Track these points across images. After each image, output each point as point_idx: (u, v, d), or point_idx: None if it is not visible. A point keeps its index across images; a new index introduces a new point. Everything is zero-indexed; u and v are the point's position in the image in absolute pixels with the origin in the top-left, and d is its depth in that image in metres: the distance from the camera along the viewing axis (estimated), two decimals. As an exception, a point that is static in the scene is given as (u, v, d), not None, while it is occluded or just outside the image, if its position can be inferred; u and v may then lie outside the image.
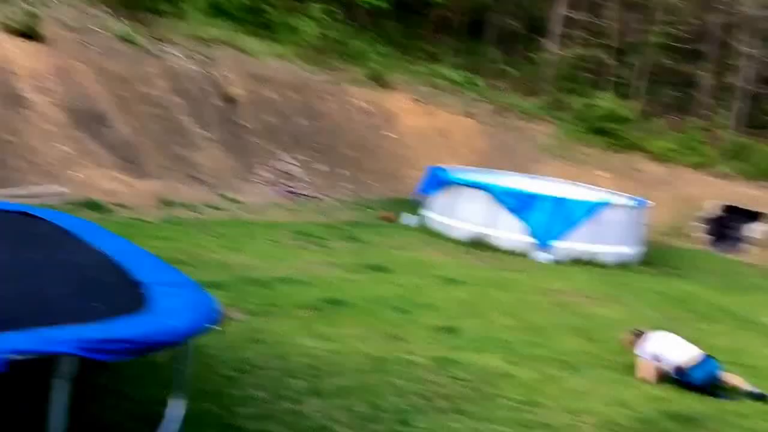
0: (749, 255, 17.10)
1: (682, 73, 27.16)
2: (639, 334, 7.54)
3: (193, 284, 5.09)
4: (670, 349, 7.34)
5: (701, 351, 7.34)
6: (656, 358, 7.27)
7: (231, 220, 13.13)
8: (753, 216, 18.26)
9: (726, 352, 8.81)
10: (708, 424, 6.32)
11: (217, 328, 4.67)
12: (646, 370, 7.24)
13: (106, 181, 12.96)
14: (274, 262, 10.25)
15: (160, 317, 4.16)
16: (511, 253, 13.59)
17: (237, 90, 18.31)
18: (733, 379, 7.26)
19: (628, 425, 6.09)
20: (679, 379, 7.15)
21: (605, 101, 22.54)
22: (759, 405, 7.01)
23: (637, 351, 7.40)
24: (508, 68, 25.37)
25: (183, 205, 13.29)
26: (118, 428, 4.84)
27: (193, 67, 17.68)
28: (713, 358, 7.32)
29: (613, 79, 25.46)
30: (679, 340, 7.46)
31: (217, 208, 13.72)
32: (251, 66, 19.31)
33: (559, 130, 21.94)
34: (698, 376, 7.14)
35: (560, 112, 23.70)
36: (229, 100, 17.96)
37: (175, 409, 4.91)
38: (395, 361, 6.81)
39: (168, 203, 13.10)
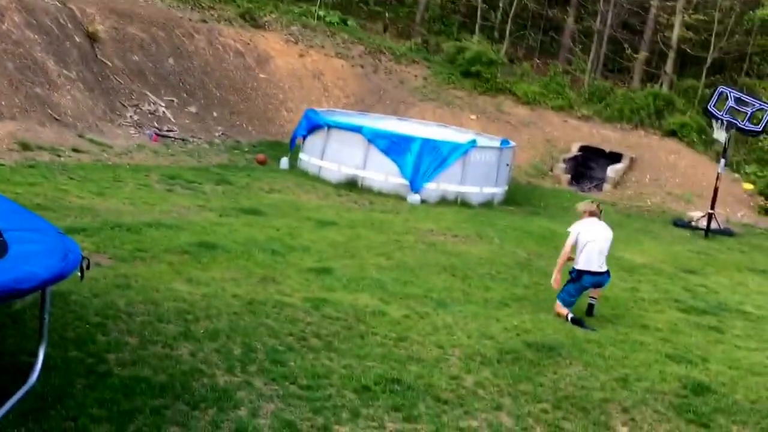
0: (606, 194, 18.20)
1: (546, 17, 28.13)
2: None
3: (53, 229, 4.91)
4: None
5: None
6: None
7: (96, 163, 12.55)
8: (610, 156, 19.40)
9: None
10: (564, 352, 6.81)
11: (79, 273, 4.54)
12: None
13: (-47, 123, 12.03)
14: (143, 206, 9.96)
15: (16, 263, 3.99)
16: (383, 194, 13.82)
17: (99, 26, 17.29)
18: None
19: (492, 356, 6.47)
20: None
21: (474, 44, 22.99)
22: (611, 334, 7.61)
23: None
24: (380, 10, 25.31)
25: (43, 148, 12.55)
26: (-22, 381, 4.64)
27: (50, 1, 16.51)
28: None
29: (481, 22, 25.98)
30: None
31: (80, 151, 13.05)
32: (114, 1, 18.26)
33: (430, 73, 22.24)
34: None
35: (431, 54, 24.01)
36: (91, 37, 16.95)
37: (41, 358, 4.77)
38: (269, 303, 6.87)
39: (26, 146, 12.34)
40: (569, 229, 8.13)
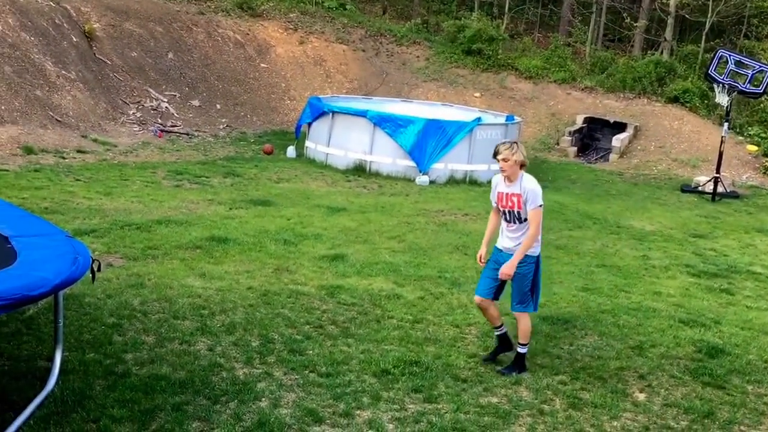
0: (613, 164, 18.11)
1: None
2: None
3: (61, 233, 4.91)
4: None
5: None
6: None
7: (101, 163, 12.55)
8: (615, 126, 19.28)
9: (595, 255, 9.44)
10: (578, 324, 6.80)
11: (90, 275, 4.55)
12: None
13: (-43, 131, 12.05)
14: (152, 204, 9.96)
15: (27, 270, 4.00)
16: (391, 177, 13.78)
17: (95, 24, 17.25)
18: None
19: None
20: None
21: (474, 21, 22.84)
22: (624, 302, 7.58)
23: None
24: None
25: (47, 151, 12.57)
26: (-1, 388, 4.67)
27: (43, 1, 16.47)
28: None
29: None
30: None
31: (84, 152, 13.07)
32: (108, -1, 18.22)
33: (432, 53, 22.11)
34: None
35: (432, 34, 23.86)
36: (88, 35, 16.92)
37: (58, 362, 4.79)
38: (284, 293, 6.87)
39: (29, 150, 12.35)
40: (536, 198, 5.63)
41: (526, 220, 5.66)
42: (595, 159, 18.75)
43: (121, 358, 5.25)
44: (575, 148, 18.92)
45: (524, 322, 5.80)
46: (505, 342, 5.98)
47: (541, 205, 5.63)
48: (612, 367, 5.92)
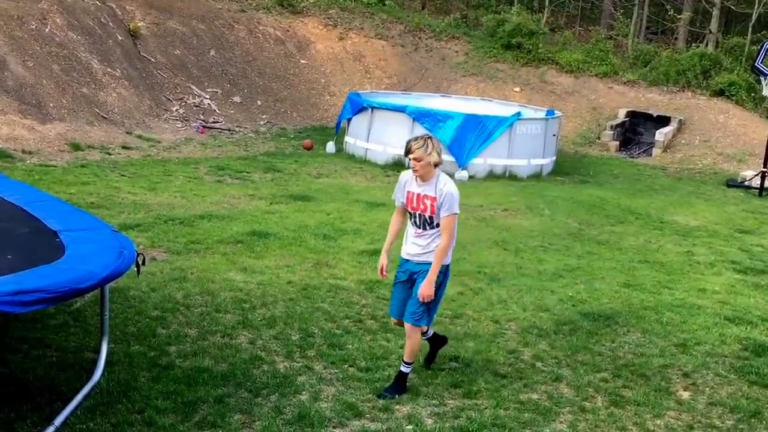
0: (656, 158, 17.81)
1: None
2: None
3: (107, 228, 5.01)
4: None
5: None
6: None
7: (145, 159, 12.78)
8: (658, 120, 18.95)
9: (637, 251, 9.31)
10: (621, 320, 6.71)
11: (135, 269, 4.63)
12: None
13: (6, 127, 12.36)
14: (194, 199, 10.10)
15: (74, 264, 4.09)
16: (430, 172, 13.73)
17: (140, 23, 17.53)
18: None
19: (548, 328, 6.41)
20: None
21: (514, 16, 22.64)
22: (668, 299, 7.46)
23: None
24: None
25: (93, 147, 12.84)
26: (47, 380, 4.79)
27: (89, 1, 16.80)
28: None
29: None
30: None
31: (129, 148, 13.31)
32: (151, -3, 18.49)
33: (471, 48, 21.99)
34: None
35: (471, 29, 23.73)
36: (133, 33, 17.21)
37: (104, 354, 4.90)
38: (323, 288, 6.92)
39: (76, 146, 12.63)
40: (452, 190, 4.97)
41: (438, 226, 4.96)
42: (638, 153, 18.46)
43: (165, 350, 5.35)
44: (617, 143, 18.64)
45: (414, 338, 5.04)
46: (435, 340, 5.48)
47: (456, 213, 4.93)
48: (655, 365, 5.83)
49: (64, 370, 4.92)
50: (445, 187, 4.92)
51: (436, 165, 4.95)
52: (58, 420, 4.21)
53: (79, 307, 5.91)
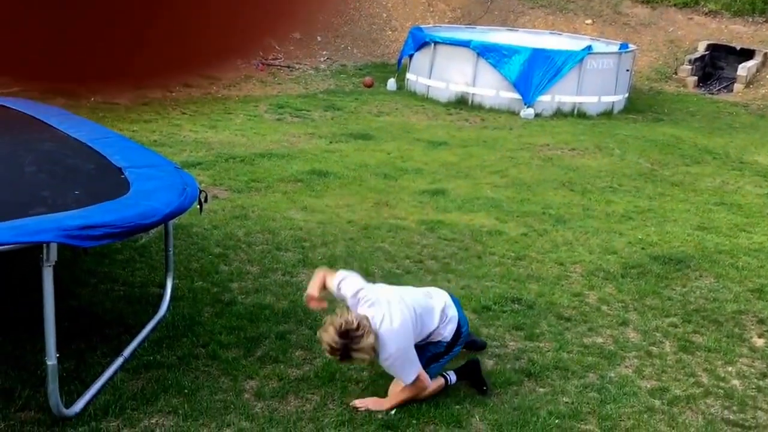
0: (737, 95, 16.96)
1: None
2: None
3: (170, 165, 5.01)
4: None
5: None
6: None
7: (206, 97, 12.83)
8: (741, 53, 17.97)
9: (714, 193, 8.93)
10: (693, 264, 6.46)
11: (197, 207, 4.64)
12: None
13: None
14: (254, 137, 10.10)
15: (139, 200, 4.11)
16: (495, 110, 13.42)
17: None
18: None
19: (615, 271, 6.22)
20: None
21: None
22: (745, 243, 7.14)
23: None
24: None
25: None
26: (115, 313, 4.89)
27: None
28: None
29: None
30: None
31: (190, 86, 13.35)
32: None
33: (539, -21, 21.14)
34: None
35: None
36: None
37: (169, 289, 4.97)
38: (384, 228, 6.85)
39: (141, 84, 12.75)
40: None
41: None
42: (718, 89, 17.59)
43: (227, 286, 5.39)
44: (695, 78, 17.75)
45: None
46: (467, 369, 4.38)
47: (414, 380, 3.99)
48: (728, 311, 5.60)
49: (131, 303, 5.02)
50: (389, 360, 3.91)
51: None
52: (127, 351, 4.31)
53: (145, 243, 6.00)
